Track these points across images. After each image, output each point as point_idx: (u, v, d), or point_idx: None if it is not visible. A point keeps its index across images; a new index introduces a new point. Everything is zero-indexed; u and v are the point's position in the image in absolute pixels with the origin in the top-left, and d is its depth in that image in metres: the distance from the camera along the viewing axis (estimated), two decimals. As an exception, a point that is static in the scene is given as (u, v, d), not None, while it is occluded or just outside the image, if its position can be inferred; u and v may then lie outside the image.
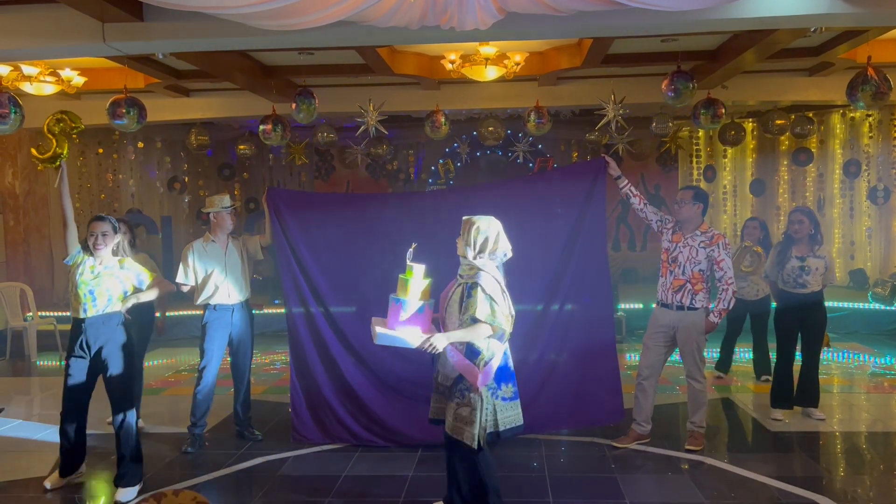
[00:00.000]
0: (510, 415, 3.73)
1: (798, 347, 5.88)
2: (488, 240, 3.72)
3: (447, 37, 5.55)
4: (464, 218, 3.81)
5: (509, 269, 4.67)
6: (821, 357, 5.93)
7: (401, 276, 3.78)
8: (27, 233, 10.45)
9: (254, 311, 5.64)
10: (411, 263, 3.74)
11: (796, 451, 5.18)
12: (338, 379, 5.27)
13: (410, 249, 3.76)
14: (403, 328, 3.70)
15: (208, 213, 5.49)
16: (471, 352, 3.66)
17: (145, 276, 4.71)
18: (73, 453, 4.65)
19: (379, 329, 3.72)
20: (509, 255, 3.82)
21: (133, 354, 4.72)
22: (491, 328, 3.61)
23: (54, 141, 4.68)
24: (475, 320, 3.58)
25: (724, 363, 7.46)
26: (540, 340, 5.24)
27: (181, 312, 10.06)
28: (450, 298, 3.78)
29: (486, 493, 3.74)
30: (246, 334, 5.51)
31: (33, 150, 4.83)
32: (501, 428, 3.68)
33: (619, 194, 5.33)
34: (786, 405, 5.89)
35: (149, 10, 5.44)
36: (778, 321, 5.87)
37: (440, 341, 3.60)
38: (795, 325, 5.77)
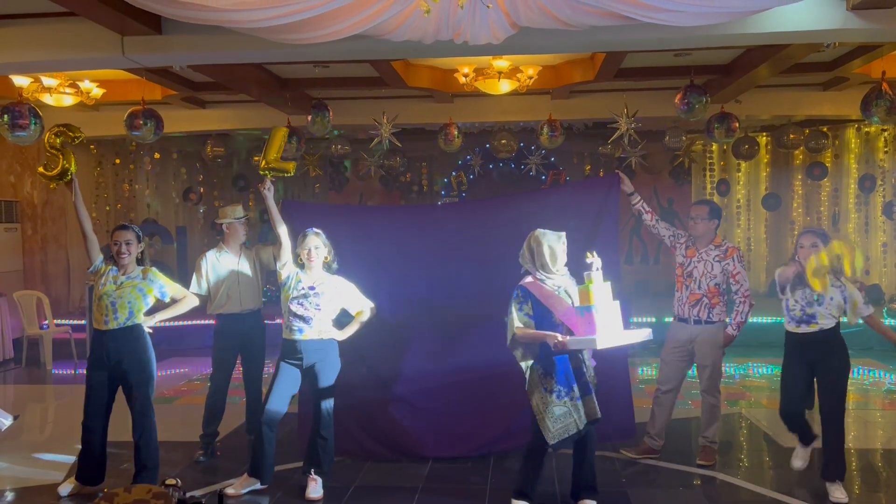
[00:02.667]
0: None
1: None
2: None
3: (460, 51, 5.60)
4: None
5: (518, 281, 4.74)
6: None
7: (580, 286, 4.05)
8: (44, 242, 10.58)
9: (266, 322, 5.68)
10: (589, 273, 4.01)
11: (810, 468, 5.13)
12: (349, 392, 5.27)
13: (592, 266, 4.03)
14: (628, 331, 4.10)
15: (222, 224, 5.54)
16: None
17: (168, 289, 4.73)
18: (93, 462, 4.65)
19: (604, 340, 3.89)
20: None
21: (154, 367, 4.72)
22: None
23: (60, 156, 4.59)
24: None
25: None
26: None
27: (194, 322, 10.10)
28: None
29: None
30: (257, 344, 5.54)
31: (41, 170, 4.74)
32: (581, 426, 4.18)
33: (631, 209, 5.33)
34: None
35: (167, 23, 5.53)
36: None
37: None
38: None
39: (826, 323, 4.40)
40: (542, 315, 4.11)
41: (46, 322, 9.56)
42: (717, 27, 5.10)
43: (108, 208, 11.71)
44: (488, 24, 4.57)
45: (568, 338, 3.98)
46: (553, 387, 4.09)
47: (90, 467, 4.64)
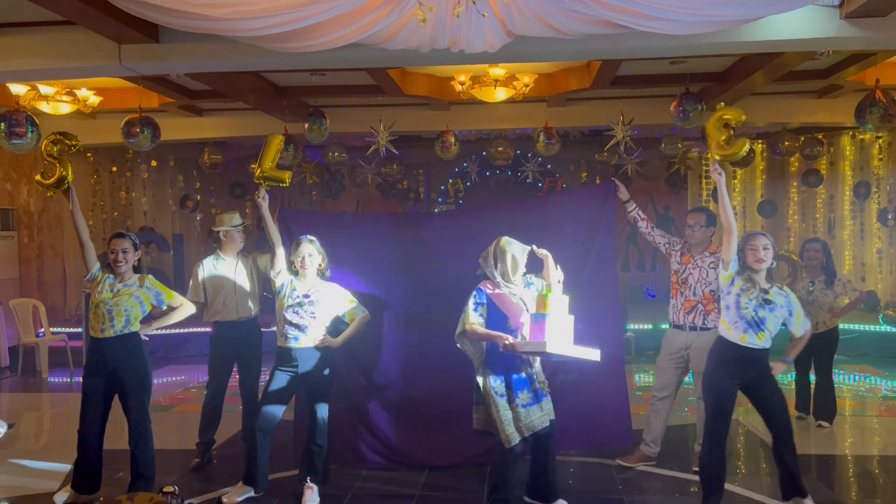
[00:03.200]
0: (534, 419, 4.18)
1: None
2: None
3: (457, 59, 5.63)
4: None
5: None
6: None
7: (538, 294, 4.19)
8: (41, 250, 10.57)
9: (263, 329, 5.68)
10: (549, 282, 4.21)
11: (806, 475, 5.13)
12: (346, 399, 5.27)
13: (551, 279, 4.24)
14: (578, 346, 4.11)
15: (219, 232, 5.54)
16: None
17: (164, 297, 4.72)
18: (89, 471, 4.63)
19: (553, 346, 3.96)
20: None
21: (150, 375, 4.71)
22: None
23: (57, 164, 4.58)
24: None
25: (803, 403, 6.53)
26: (548, 361, 5.22)
27: (191, 329, 10.08)
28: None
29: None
30: (254, 352, 5.53)
31: (38, 178, 4.73)
32: (527, 433, 4.14)
33: (627, 217, 5.35)
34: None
35: (164, 31, 5.55)
36: None
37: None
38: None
39: (765, 342, 4.16)
40: (498, 321, 4.23)
41: (42, 330, 9.54)
42: (711, 35, 5.13)
43: (104, 216, 11.71)
44: (484, 32, 4.60)
45: (518, 340, 4.10)
46: (501, 392, 4.20)
47: (86, 476, 4.63)
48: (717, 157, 4.18)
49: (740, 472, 5.26)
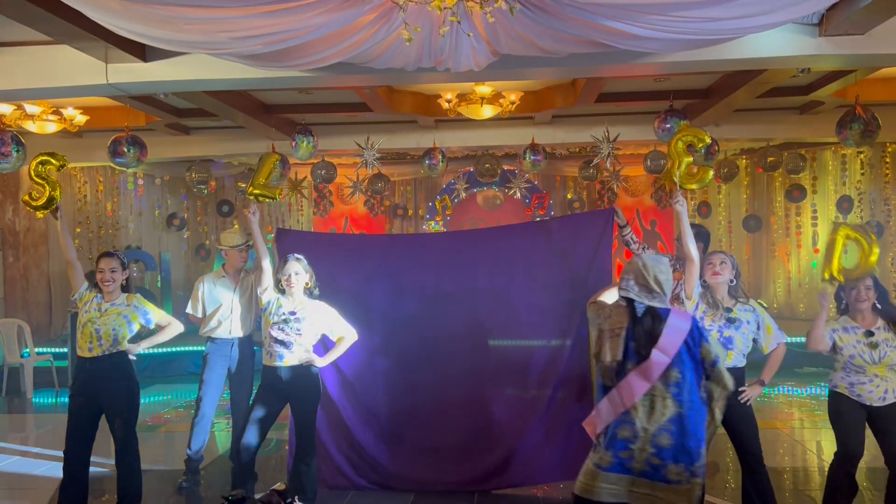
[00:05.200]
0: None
1: None
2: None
3: (443, 77, 5.68)
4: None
5: (519, 310, 4.70)
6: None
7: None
8: (26, 269, 10.49)
9: (256, 348, 5.65)
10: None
11: (797, 487, 5.16)
12: (335, 420, 5.22)
13: None
14: None
15: (220, 250, 5.60)
16: None
17: (153, 315, 4.71)
18: (75, 491, 4.56)
19: None
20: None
21: (138, 395, 4.68)
22: None
23: (45, 185, 4.57)
24: None
25: None
26: (550, 380, 5.11)
27: (179, 348, 10.02)
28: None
29: None
30: (246, 370, 5.51)
31: (26, 198, 4.71)
32: None
33: (620, 239, 5.29)
34: None
35: (151, 51, 5.56)
36: None
37: None
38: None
39: (738, 360, 4.06)
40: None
41: (27, 350, 9.45)
42: (694, 53, 5.20)
43: (90, 235, 11.64)
44: (469, 51, 4.64)
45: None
46: None
47: (72, 496, 4.57)
48: (682, 186, 4.03)
49: (729, 486, 5.27)
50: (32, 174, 4.59)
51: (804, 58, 5.46)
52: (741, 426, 4.11)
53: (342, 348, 4.75)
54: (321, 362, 4.67)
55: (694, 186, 4.10)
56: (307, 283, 4.64)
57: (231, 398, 5.57)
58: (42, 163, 4.59)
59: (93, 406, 4.54)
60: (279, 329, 4.56)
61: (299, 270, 4.60)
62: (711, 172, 4.06)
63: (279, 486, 3.94)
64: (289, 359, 4.55)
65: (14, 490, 5.43)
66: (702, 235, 5.12)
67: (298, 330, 4.56)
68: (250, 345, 5.56)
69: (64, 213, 4.73)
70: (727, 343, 4.03)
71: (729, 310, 4.07)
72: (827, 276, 4.07)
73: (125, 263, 4.69)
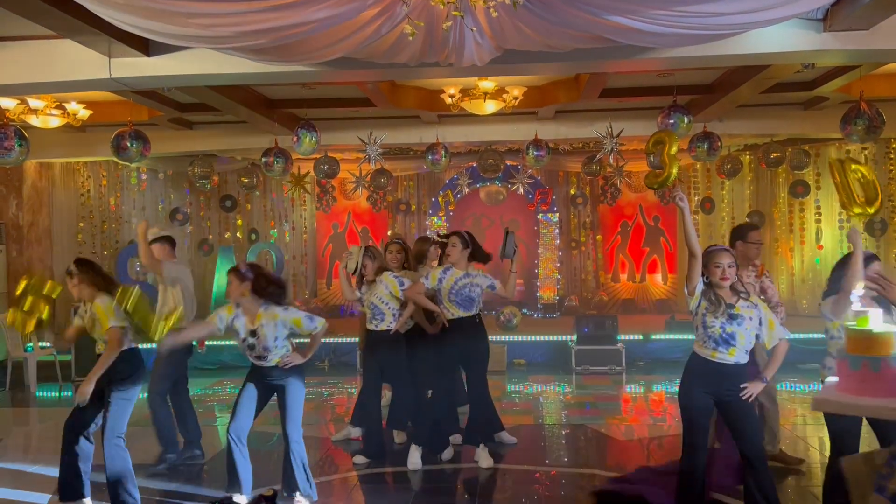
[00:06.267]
0: None
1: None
2: None
3: (446, 72, 5.67)
4: None
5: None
6: None
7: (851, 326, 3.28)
8: (30, 264, 10.51)
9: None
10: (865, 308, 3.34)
11: (800, 487, 5.16)
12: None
13: None
14: None
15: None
16: None
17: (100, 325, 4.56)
18: (73, 476, 4.63)
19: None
20: None
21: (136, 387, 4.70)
22: None
23: (42, 306, 4.66)
24: None
25: None
26: None
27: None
28: None
29: None
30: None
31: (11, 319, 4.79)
32: None
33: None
34: None
35: (154, 45, 5.56)
36: None
37: None
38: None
39: (740, 356, 4.06)
40: None
41: (31, 344, 9.48)
42: (698, 48, 5.20)
43: (94, 230, 11.66)
44: (473, 46, 4.64)
45: None
46: None
47: (70, 482, 4.63)
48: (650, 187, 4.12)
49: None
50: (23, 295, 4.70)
51: (808, 53, 5.44)
52: (743, 423, 4.10)
53: (316, 342, 4.70)
54: (301, 360, 4.62)
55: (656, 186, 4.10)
56: (244, 292, 4.49)
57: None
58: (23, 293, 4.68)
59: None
60: (250, 351, 4.57)
61: (232, 280, 4.51)
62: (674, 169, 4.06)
63: (267, 491, 3.95)
64: (271, 361, 4.57)
65: (18, 483, 5.45)
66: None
67: (265, 346, 4.51)
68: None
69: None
70: (729, 339, 4.01)
71: (731, 306, 4.03)
72: (858, 210, 3.97)
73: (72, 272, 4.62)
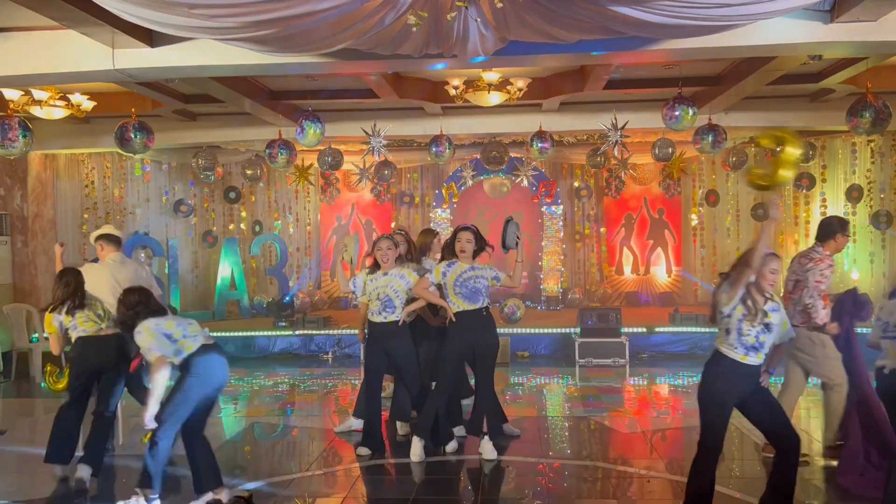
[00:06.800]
0: None
1: None
2: None
3: (450, 63, 5.65)
4: None
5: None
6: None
7: None
8: (35, 255, 10.53)
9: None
10: None
11: (802, 479, 5.14)
12: None
13: None
14: None
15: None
16: None
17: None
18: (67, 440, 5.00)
19: None
20: None
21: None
22: None
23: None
24: None
25: None
26: None
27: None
28: None
29: None
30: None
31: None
32: None
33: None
34: None
35: (158, 36, 5.55)
36: None
37: None
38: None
39: (762, 359, 4.10)
40: None
41: (36, 335, 9.51)
42: (704, 39, 5.16)
43: (98, 221, 11.66)
44: (477, 37, 4.62)
45: None
46: None
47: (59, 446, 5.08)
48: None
49: (734, 474, 5.27)
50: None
51: (815, 45, 5.41)
52: (772, 413, 4.17)
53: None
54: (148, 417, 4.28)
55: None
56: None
57: None
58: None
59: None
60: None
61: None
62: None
63: (243, 493, 3.91)
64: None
65: (22, 474, 5.48)
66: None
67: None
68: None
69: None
70: (760, 347, 4.04)
71: (765, 314, 4.01)
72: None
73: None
